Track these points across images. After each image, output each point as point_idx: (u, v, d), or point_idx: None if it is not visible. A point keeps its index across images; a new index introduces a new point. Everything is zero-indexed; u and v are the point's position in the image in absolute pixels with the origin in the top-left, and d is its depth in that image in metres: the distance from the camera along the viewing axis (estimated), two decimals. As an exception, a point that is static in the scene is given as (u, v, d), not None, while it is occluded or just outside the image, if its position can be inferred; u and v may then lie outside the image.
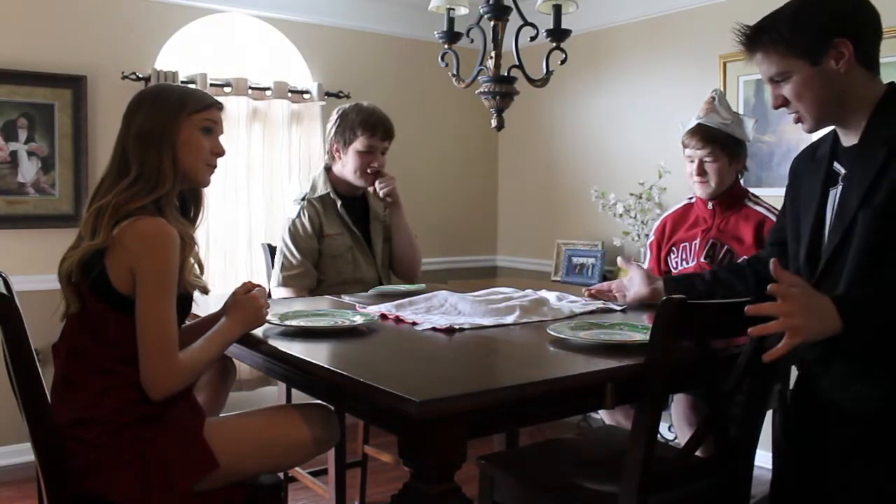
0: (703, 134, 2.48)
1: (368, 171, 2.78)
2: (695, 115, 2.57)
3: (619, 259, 2.65)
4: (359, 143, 2.76)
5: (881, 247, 1.45)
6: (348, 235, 2.81)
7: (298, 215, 2.77)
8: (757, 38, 1.54)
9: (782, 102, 1.57)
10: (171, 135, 1.71)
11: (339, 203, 2.81)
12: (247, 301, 1.80)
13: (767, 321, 1.34)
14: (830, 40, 1.46)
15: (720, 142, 2.47)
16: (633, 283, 2.20)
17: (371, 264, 2.85)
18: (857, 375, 1.48)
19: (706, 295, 1.95)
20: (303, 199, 2.82)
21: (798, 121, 1.59)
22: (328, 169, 2.88)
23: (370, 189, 2.86)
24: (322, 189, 2.83)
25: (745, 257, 2.17)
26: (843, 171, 1.57)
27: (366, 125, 2.76)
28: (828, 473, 1.52)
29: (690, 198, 2.67)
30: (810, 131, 1.60)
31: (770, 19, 1.54)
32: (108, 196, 1.66)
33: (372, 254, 2.86)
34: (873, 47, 1.52)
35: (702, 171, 2.48)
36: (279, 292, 2.74)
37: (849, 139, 1.57)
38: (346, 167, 2.81)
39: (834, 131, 1.62)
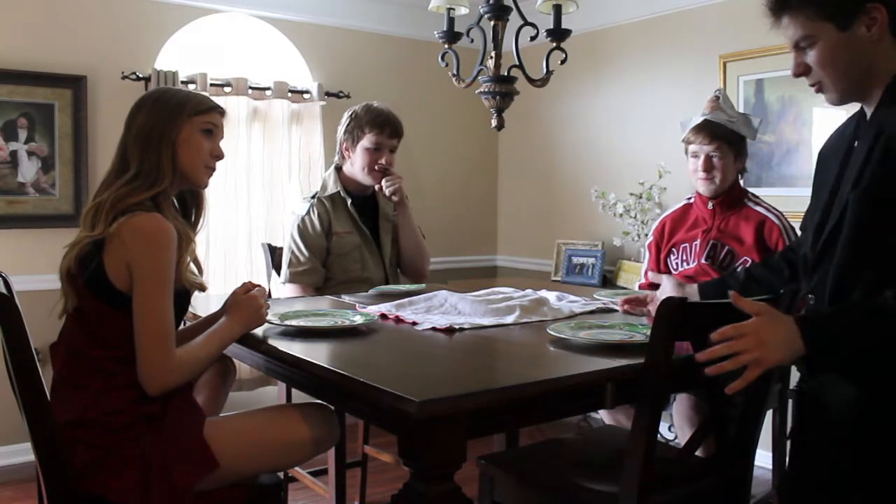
0: (710, 130, 2.48)
1: (376, 168, 2.79)
2: (696, 113, 2.57)
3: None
4: (366, 140, 2.78)
5: (866, 239, 1.38)
6: (357, 234, 2.82)
7: (308, 213, 2.78)
8: (785, 1, 1.46)
9: (804, 70, 1.48)
10: (171, 134, 1.72)
11: (349, 202, 2.82)
12: (247, 301, 1.80)
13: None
14: (863, 4, 1.38)
15: (727, 138, 2.47)
16: (664, 292, 2.09)
17: (379, 264, 2.85)
18: (837, 380, 1.45)
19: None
20: (313, 196, 2.84)
21: (819, 90, 1.49)
22: (339, 168, 2.90)
23: (377, 188, 2.87)
24: (332, 188, 2.85)
25: (780, 250, 2.09)
26: None
27: (374, 122, 2.78)
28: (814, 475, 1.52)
29: (689, 198, 2.67)
30: (834, 103, 1.50)
31: None
32: (106, 192, 1.67)
33: (380, 253, 2.87)
34: None
35: (708, 167, 2.48)
36: (286, 289, 2.75)
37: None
38: (355, 165, 2.82)
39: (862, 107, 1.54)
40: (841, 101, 1.50)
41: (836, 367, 1.41)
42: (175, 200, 1.83)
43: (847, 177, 1.46)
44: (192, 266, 1.77)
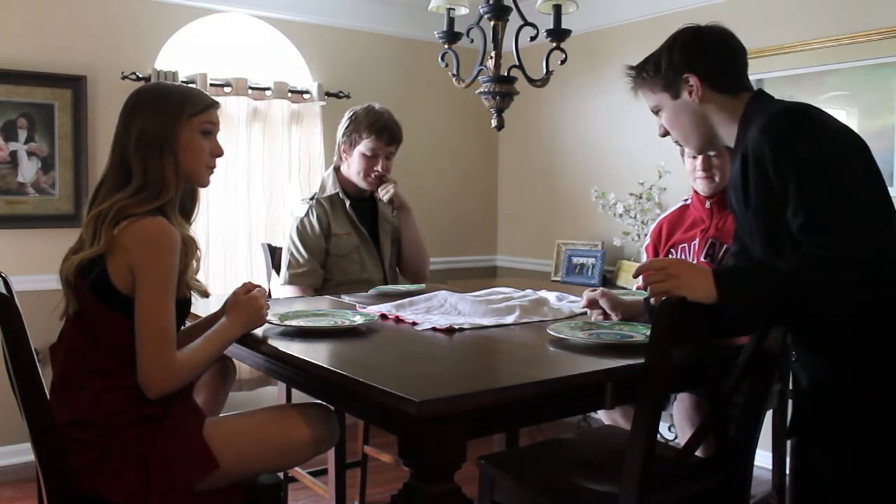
0: None
1: (371, 175, 2.79)
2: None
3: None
4: (363, 146, 2.77)
5: (770, 243, 1.55)
6: (356, 235, 2.81)
7: (307, 214, 2.78)
8: (634, 79, 1.75)
9: (665, 132, 1.75)
10: (172, 140, 1.70)
11: (347, 203, 2.82)
12: (247, 301, 1.80)
13: None
14: (680, 75, 1.64)
15: None
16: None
17: (378, 265, 2.85)
18: (805, 363, 1.56)
19: None
20: (312, 198, 2.84)
21: (680, 145, 1.77)
22: (337, 169, 2.89)
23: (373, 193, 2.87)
24: (331, 189, 2.84)
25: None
26: None
27: (371, 128, 2.77)
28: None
29: (686, 200, 2.68)
30: (696, 153, 1.84)
31: (642, 62, 1.74)
32: (109, 201, 1.65)
33: (379, 254, 2.87)
34: (725, 74, 1.64)
35: (707, 167, 2.48)
36: (285, 290, 2.75)
37: None
38: (351, 168, 2.82)
39: None
40: (699, 151, 1.83)
41: (744, 318, 1.49)
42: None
43: (736, 207, 1.66)
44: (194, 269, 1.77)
